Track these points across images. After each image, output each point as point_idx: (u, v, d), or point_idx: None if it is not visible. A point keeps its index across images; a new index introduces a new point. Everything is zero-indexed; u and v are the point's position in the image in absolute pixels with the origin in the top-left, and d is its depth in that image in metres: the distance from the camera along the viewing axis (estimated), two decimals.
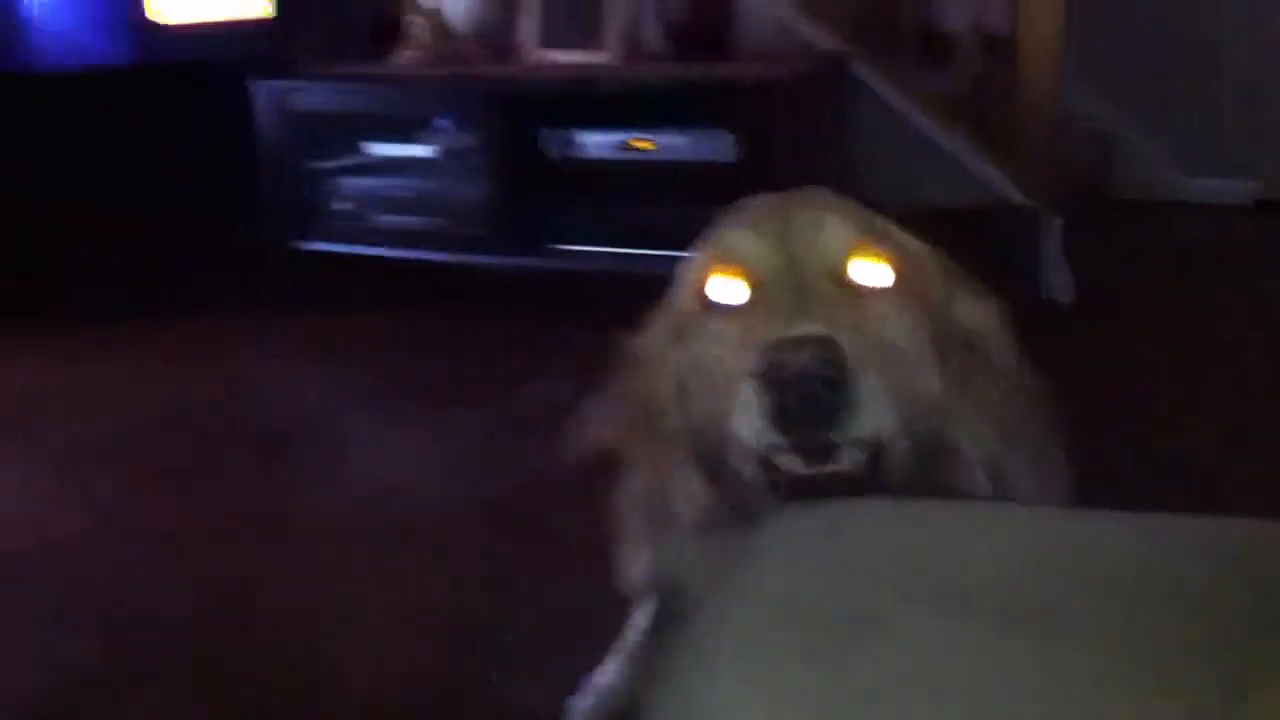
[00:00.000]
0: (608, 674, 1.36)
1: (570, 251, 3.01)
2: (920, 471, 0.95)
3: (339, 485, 2.26)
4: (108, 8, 3.37)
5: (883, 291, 0.99)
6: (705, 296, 1.02)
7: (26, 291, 3.27)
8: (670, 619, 0.93)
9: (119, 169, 3.43)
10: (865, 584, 0.68)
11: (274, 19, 3.47)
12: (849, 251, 1.00)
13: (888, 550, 0.72)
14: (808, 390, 0.87)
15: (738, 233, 1.04)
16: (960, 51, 3.30)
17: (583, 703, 1.36)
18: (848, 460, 0.90)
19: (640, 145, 2.97)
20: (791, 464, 0.91)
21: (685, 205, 2.87)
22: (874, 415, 0.89)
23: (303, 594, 1.87)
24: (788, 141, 2.93)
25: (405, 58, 3.46)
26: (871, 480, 0.91)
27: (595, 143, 3.00)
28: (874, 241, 1.01)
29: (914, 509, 0.80)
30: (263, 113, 3.32)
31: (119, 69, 3.38)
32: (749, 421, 0.91)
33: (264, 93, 3.31)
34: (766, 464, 0.92)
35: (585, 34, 3.28)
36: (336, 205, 3.33)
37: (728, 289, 1.01)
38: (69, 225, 3.34)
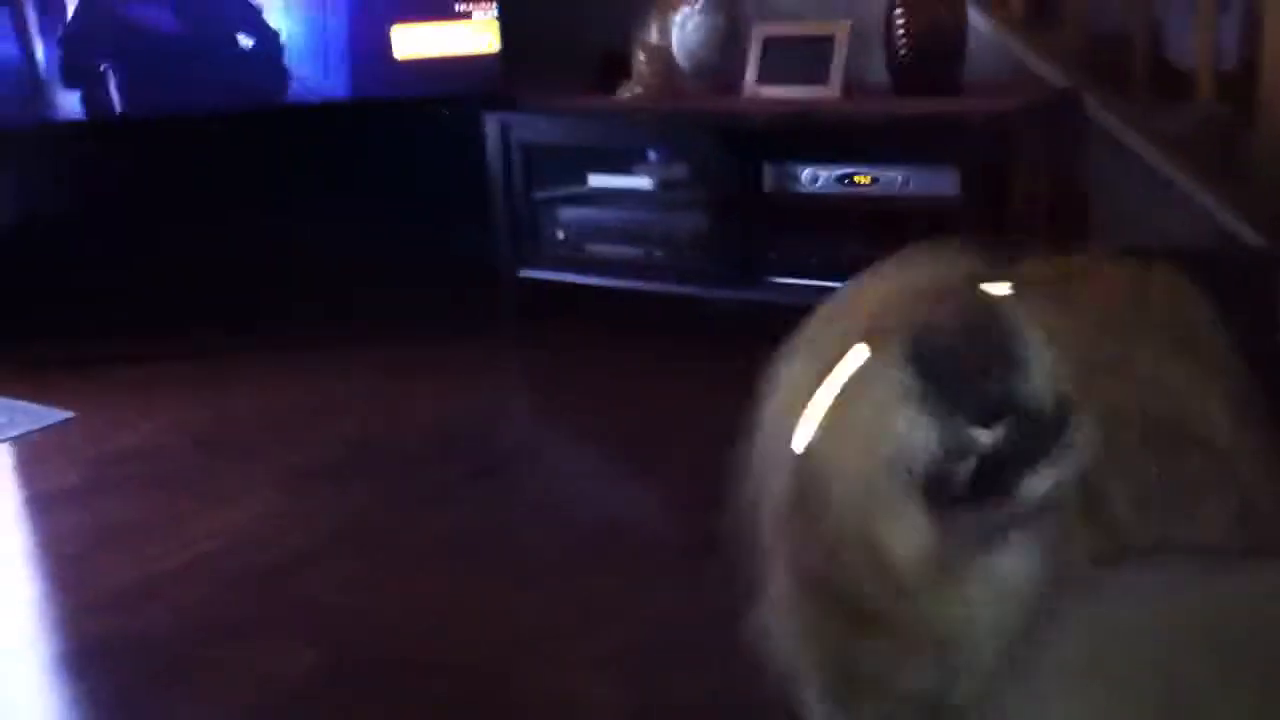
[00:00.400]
0: None
1: (787, 285, 3.02)
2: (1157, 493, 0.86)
3: (551, 516, 2.31)
4: (353, 45, 3.56)
5: None
6: None
7: (265, 312, 3.46)
8: None
9: (356, 196, 3.61)
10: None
11: (499, 54, 3.61)
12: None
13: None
14: (957, 345, 0.77)
15: None
16: (1194, 88, 3.19)
17: None
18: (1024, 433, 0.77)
19: (861, 180, 2.95)
20: (975, 446, 0.78)
21: (906, 241, 2.86)
22: (1044, 374, 0.77)
23: (512, 622, 1.91)
24: (1016, 178, 2.87)
25: (629, 92, 3.52)
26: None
27: (815, 177, 3.00)
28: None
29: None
30: (492, 144, 3.44)
31: (361, 101, 3.57)
32: (906, 438, 0.79)
33: (493, 125, 3.43)
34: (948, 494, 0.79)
35: (807, 70, 3.28)
36: (559, 234, 3.42)
37: None
38: (308, 249, 3.53)
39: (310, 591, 2.04)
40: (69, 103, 3.45)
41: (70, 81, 3.45)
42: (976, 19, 3.26)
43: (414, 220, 3.58)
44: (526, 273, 3.45)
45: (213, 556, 2.19)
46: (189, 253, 3.50)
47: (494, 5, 3.61)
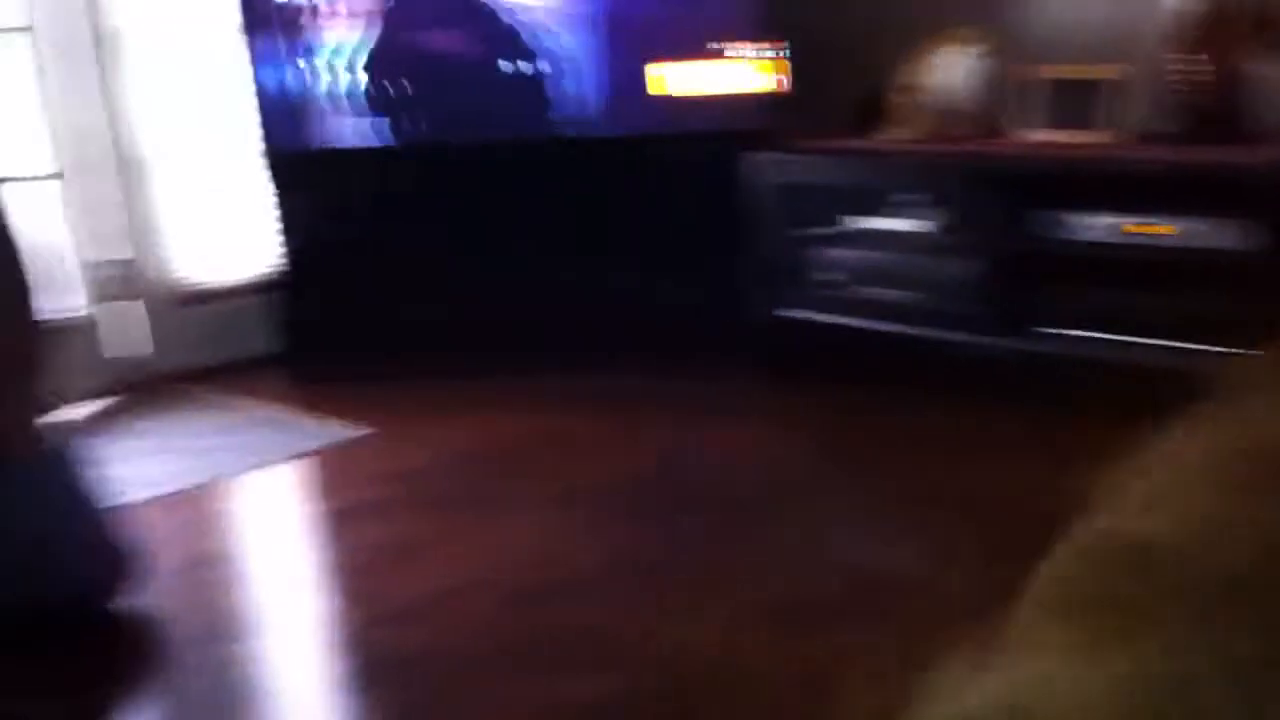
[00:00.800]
0: None
1: (1055, 335, 2.97)
2: None
3: (821, 559, 2.33)
4: (617, 82, 3.68)
5: None
6: None
7: (524, 340, 3.59)
8: None
9: (616, 229, 3.72)
10: None
11: (773, 94, 3.65)
12: None
13: None
14: None
15: None
16: None
17: None
18: None
19: (1138, 229, 2.89)
20: None
21: (1188, 294, 2.79)
22: None
23: (799, 668, 1.93)
24: None
25: (891, 134, 3.53)
26: None
27: (1088, 225, 2.95)
28: None
29: None
30: (750, 183, 3.50)
31: (624, 137, 3.68)
32: None
33: (752, 164, 3.49)
34: None
35: (1077, 114, 3.23)
36: (816, 275, 3.45)
37: None
38: (565, 279, 3.65)
39: (589, 619, 2.12)
40: (357, 128, 3.68)
41: (362, 107, 3.68)
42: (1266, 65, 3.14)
43: (667, 256, 3.67)
44: (781, 312, 3.48)
45: (496, 577, 2.30)
46: (474, 277, 3.66)
47: (759, 46, 3.67)
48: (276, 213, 3.72)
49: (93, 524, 2.20)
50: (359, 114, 3.70)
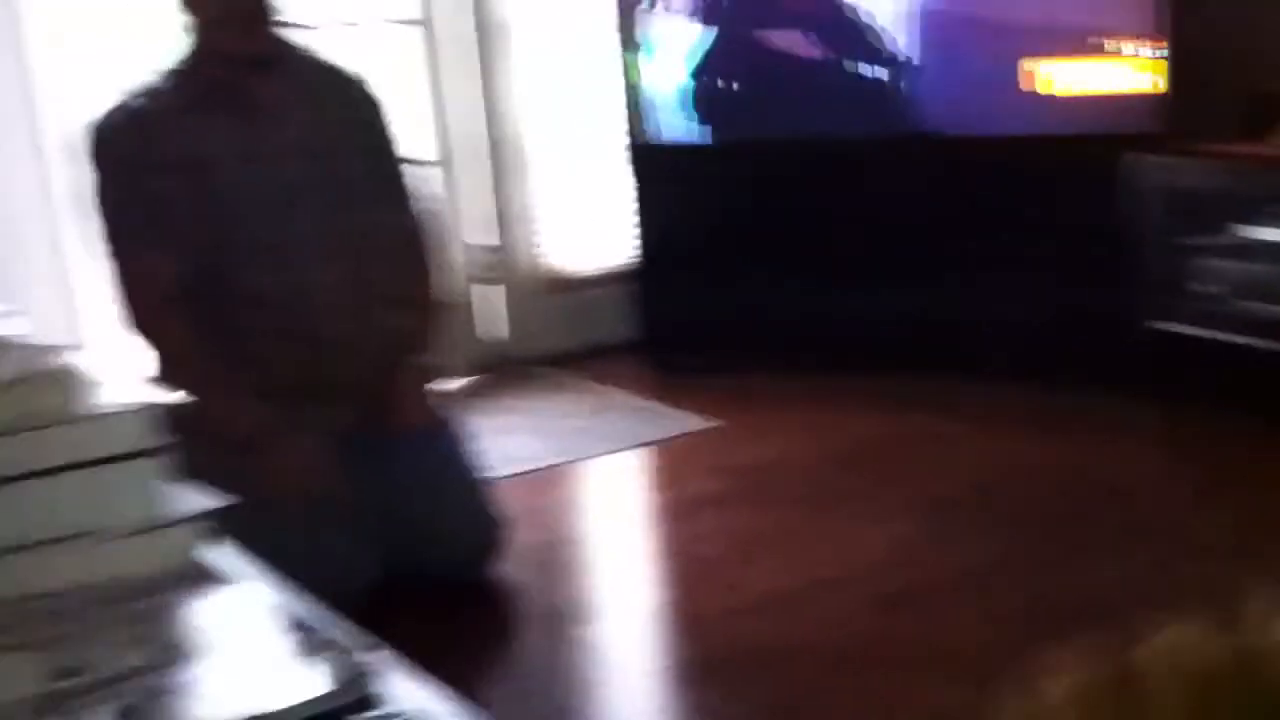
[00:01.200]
0: None
1: None
2: None
3: (1154, 593, 2.16)
4: (992, 79, 3.54)
5: None
6: None
7: (880, 340, 3.52)
8: None
9: (977, 231, 3.59)
10: None
11: (1163, 95, 3.42)
12: None
13: None
14: None
15: None
16: None
17: None
18: None
19: None
20: None
21: None
22: None
23: None
24: None
25: None
26: None
27: None
28: None
29: None
30: (1132, 188, 3.29)
31: (989, 137, 3.55)
32: None
33: (1136, 168, 3.28)
34: None
35: None
36: (1196, 287, 3.21)
37: None
38: (924, 280, 3.55)
39: (945, 623, 2.05)
40: (719, 123, 3.71)
41: (700, 107, 3.71)
42: None
43: (1037, 262, 3.51)
44: (1157, 325, 3.26)
45: (843, 578, 2.26)
46: (829, 275, 3.62)
47: (1140, 43, 3.45)
48: (636, 204, 3.80)
49: (473, 494, 2.31)
50: (721, 110, 3.74)
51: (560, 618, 2.21)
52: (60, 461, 0.99)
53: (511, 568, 2.34)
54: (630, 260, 3.83)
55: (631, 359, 3.66)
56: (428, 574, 2.19)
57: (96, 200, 2.14)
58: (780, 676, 1.95)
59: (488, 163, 4.01)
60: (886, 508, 2.57)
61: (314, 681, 0.84)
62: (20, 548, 0.98)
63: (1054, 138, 3.50)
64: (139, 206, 2.11)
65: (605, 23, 3.81)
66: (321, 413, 2.14)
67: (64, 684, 0.86)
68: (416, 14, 3.95)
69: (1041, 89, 3.49)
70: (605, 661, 2.09)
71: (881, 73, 3.63)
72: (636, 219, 3.79)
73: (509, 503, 2.37)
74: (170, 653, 0.90)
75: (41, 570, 0.99)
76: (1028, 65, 3.48)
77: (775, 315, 3.60)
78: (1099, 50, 3.47)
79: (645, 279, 3.79)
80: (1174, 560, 2.28)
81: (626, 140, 3.78)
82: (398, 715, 0.73)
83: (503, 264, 3.94)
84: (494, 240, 3.98)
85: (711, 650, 2.06)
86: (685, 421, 3.16)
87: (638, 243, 3.80)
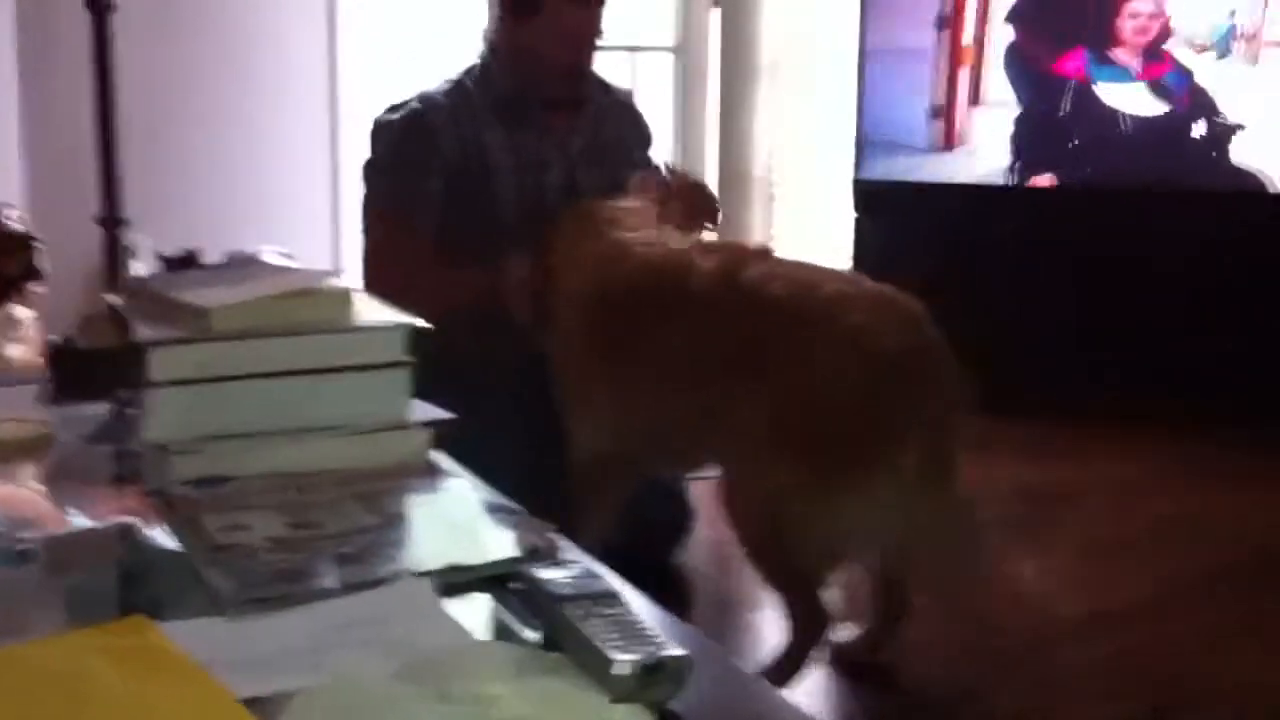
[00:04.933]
0: None
1: None
2: None
3: None
4: None
5: None
6: None
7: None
8: None
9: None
10: None
11: None
12: None
13: None
14: None
15: None
16: None
17: None
18: None
19: None
20: None
21: None
22: None
23: None
24: None
25: None
26: None
27: None
28: None
29: None
30: None
31: None
32: None
33: None
34: None
35: None
36: None
37: None
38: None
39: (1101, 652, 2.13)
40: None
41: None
42: None
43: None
44: None
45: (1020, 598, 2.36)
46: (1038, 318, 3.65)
47: None
48: (854, 237, 3.93)
49: (674, 480, 2.47)
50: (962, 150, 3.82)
51: (733, 604, 2.36)
52: (325, 364, 1.21)
53: (692, 558, 2.50)
54: None
55: None
56: (618, 546, 2.36)
57: (366, 187, 2.36)
58: (935, 675, 2.06)
59: (716, 188, 4.21)
60: (1057, 544, 2.65)
61: (504, 546, 1.03)
62: (284, 432, 1.20)
63: None
64: (404, 200, 2.30)
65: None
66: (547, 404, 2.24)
67: (300, 533, 1.06)
68: (670, 41, 4.20)
69: None
70: (765, 641, 2.23)
71: (1205, 133, 3.66)
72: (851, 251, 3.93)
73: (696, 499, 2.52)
74: (390, 520, 1.11)
75: (299, 453, 1.20)
76: None
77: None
78: None
79: None
80: None
81: (852, 174, 3.92)
82: (573, 563, 0.90)
83: None
84: None
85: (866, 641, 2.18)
86: None
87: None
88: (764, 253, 2.10)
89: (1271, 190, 3.60)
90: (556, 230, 2.21)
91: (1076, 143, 3.76)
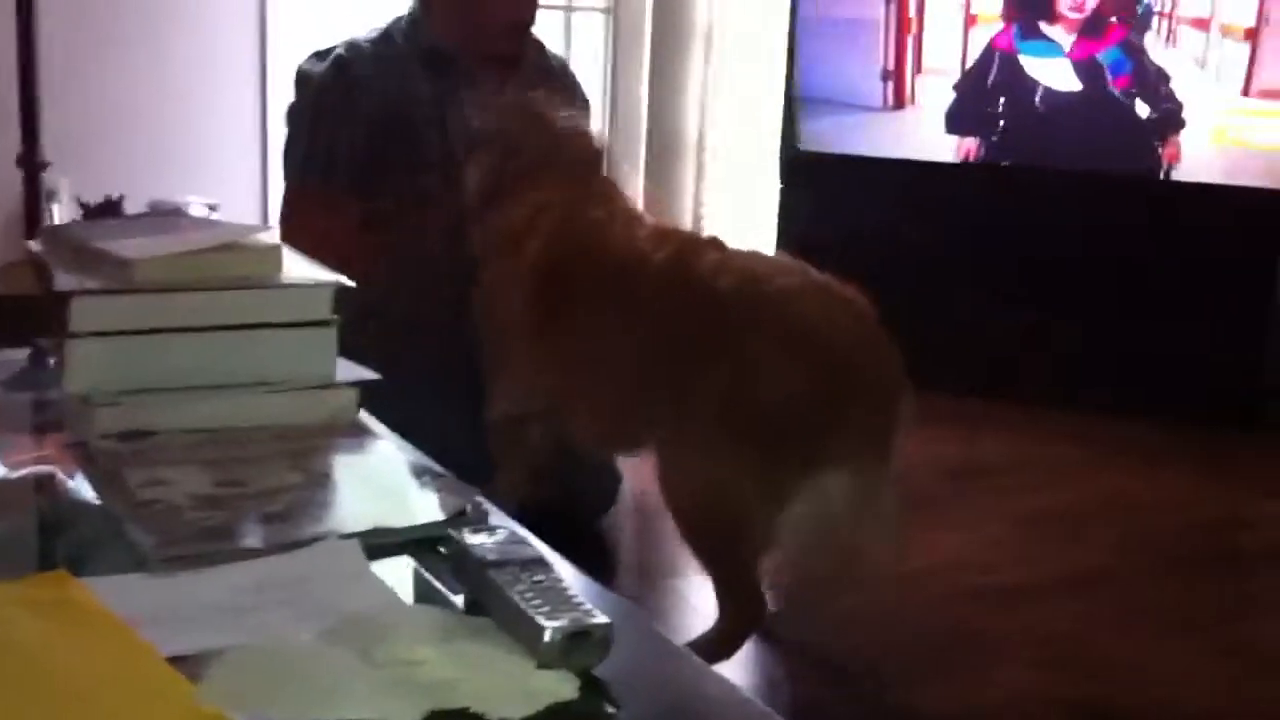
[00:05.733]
0: None
1: None
2: None
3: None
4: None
5: None
6: None
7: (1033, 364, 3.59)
8: None
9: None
10: None
11: None
12: None
13: None
14: None
15: None
16: None
17: None
18: None
19: None
20: None
21: None
22: None
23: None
24: None
25: None
26: None
27: None
28: None
29: None
30: None
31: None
32: None
33: None
34: None
35: None
36: None
37: None
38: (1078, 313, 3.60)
39: (1026, 621, 2.18)
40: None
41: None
42: None
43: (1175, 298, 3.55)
44: None
45: (945, 568, 2.40)
46: (960, 295, 3.71)
47: None
48: (777, 209, 3.96)
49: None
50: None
51: (658, 570, 2.38)
52: (251, 320, 1.20)
53: (617, 524, 2.53)
54: None
55: None
56: (557, 515, 2.37)
57: (288, 132, 2.35)
58: (848, 641, 2.10)
59: (642, 152, 4.22)
60: (988, 516, 2.71)
61: (430, 509, 1.03)
62: (209, 387, 1.19)
63: None
64: (324, 147, 2.28)
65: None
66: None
67: (225, 490, 1.06)
68: (602, 3, 4.17)
69: None
70: (690, 608, 2.25)
71: (1149, 115, 3.70)
72: (775, 223, 3.96)
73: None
74: (317, 479, 1.10)
75: (227, 409, 1.19)
76: None
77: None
78: None
79: None
80: None
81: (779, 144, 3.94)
82: (500, 528, 0.90)
83: None
84: None
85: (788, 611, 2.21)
86: None
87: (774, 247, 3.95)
88: (716, 243, 2.12)
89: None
90: (508, 184, 2.19)
91: (1000, 116, 3.80)
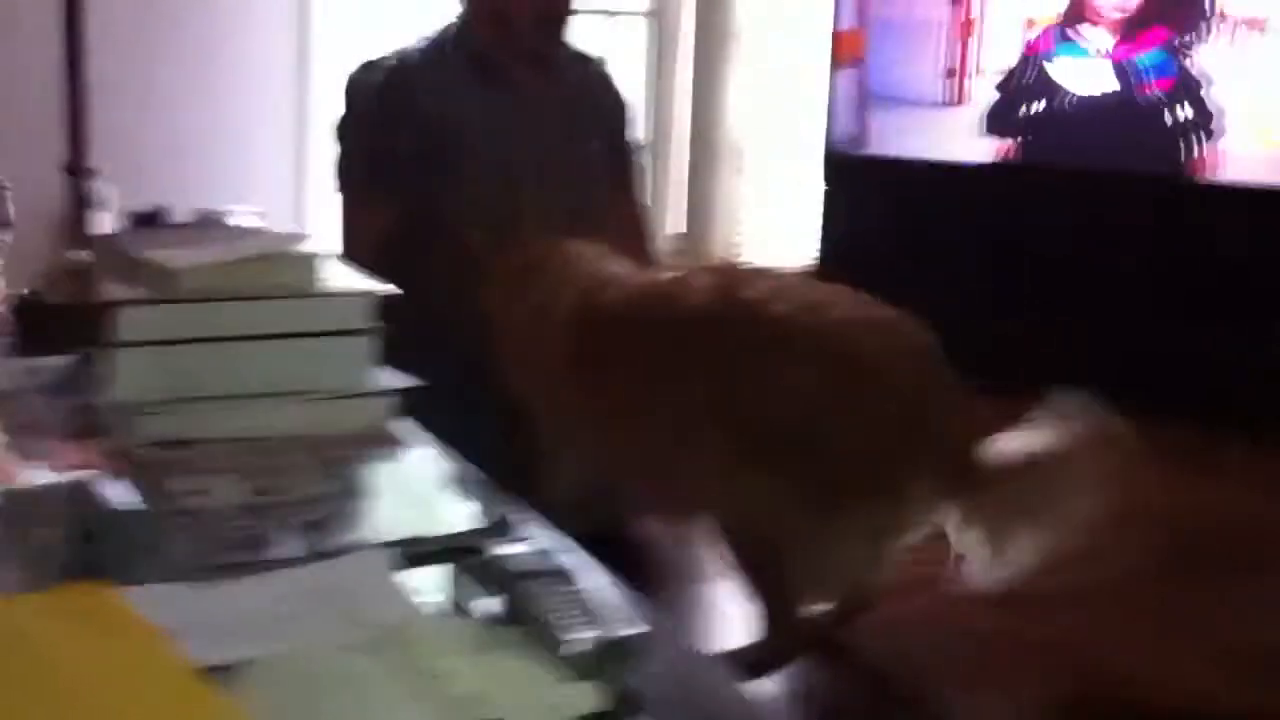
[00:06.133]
0: None
1: None
2: None
3: None
4: None
5: None
6: None
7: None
8: None
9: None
10: None
11: None
12: None
13: None
14: None
15: None
16: None
17: None
18: None
19: None
20: None
21: None
22: None
23: None
24: None
25: None
26: None
27: None
28: None
29: None
30: None
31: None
32: None
33: None
34: None
35: None
36: None
37: None
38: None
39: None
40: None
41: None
42: None
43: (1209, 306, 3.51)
44: None
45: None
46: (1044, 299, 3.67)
47: None
48: (823, 209, 3.95)
49: None
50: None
51: (690, 576, 2.38)
52: (292, 329, 1.21)
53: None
54: (811, 263, 3.99)
55: None
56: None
57: (339, 145, 2.35)
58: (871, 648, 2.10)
59: (687, 153, 4.22)
60: None
61: (466, 518, 1.04)
62: (249, 396, 1.20)
63: None
64: (377, 158, 2.27)
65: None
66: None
67: (262, 499, 1.07)
68: (644, 6, 4.18)
69: None
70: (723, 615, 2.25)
71: (1186, 118, 3.64)
72: (821, 224, 3.95)
73: None
74: (353, 488, 1.11)
75: (262, 417, 1.20)
76: None
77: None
78: None
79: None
80: None
81: (824, 147, 3.93)
82: (534, 538, 0.91)
83: (688, 252, 4.15)
84: (681, 229, 4.20)
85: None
86: None
87: (819, 247, 3.95)
88: (761, 272, 2.07)
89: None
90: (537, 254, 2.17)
91: (1031, 116, 3.79)
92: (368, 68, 2.32)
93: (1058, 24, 3.71)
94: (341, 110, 2.34)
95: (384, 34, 3.01)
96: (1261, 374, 3.39)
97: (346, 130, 2.32)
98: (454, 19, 2.37)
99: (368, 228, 2.27)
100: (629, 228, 2.48)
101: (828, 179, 3.95)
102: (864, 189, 3.87)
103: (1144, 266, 3.58)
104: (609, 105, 2.49)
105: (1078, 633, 2.18)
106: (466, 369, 2.14)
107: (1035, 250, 3.65)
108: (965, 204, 3.75)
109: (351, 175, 2.32)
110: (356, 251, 2.12)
